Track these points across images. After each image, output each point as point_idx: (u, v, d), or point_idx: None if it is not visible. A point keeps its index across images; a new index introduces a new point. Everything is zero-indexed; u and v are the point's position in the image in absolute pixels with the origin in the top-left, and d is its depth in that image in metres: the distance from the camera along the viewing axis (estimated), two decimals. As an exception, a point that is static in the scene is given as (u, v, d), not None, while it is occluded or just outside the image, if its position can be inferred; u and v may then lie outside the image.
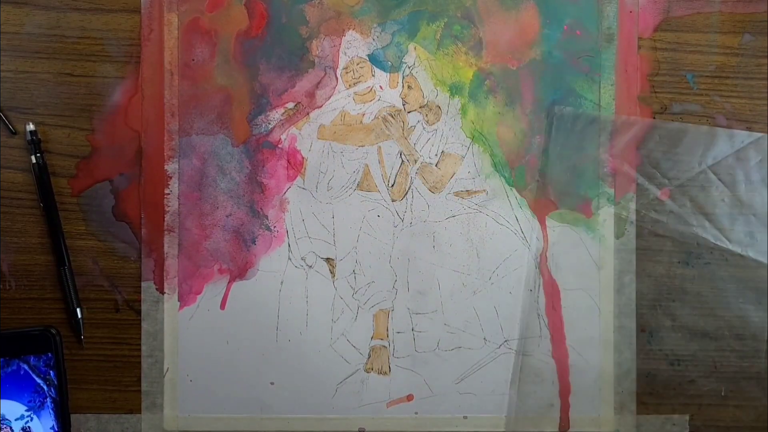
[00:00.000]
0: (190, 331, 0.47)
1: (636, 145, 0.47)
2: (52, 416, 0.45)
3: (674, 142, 0.47)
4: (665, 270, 0.47)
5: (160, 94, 0.47)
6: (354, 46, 0.47)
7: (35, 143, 0.46)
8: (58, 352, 0.46)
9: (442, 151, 0.47)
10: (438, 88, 0.47)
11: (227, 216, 0.47)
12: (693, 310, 0.47)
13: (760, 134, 0.47)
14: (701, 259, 0.47)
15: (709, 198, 0.47)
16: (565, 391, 0.47)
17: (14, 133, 0.47)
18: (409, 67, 0.47)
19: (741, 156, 0.46)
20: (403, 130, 0.47)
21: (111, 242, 0.47)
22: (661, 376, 0.47)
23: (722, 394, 0.47)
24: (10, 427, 0.45)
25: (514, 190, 0.47)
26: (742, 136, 0.46)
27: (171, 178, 0.47)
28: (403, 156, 0.47)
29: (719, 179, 0.46)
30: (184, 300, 0.47)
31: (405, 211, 0.47)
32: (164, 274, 0.47)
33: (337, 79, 0.47)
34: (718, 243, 0.46)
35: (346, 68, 0.47)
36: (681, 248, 0.47)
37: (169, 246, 0.47)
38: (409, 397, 0.47)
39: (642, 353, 0.47)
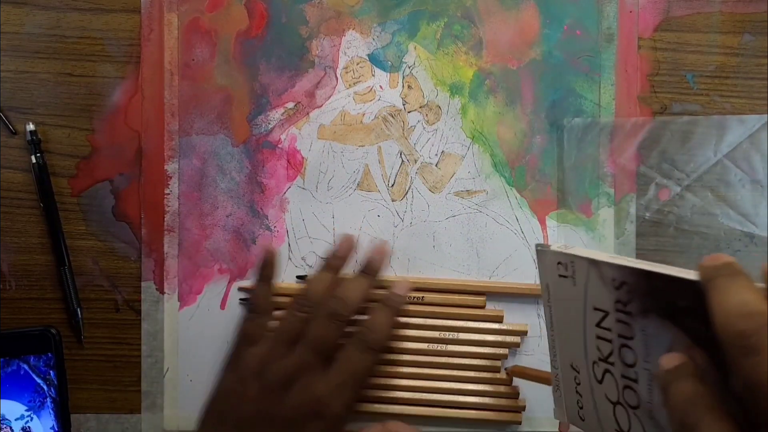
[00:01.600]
0: (190, 331, 0.47)
1: (649, 145, 0.47)
2: (52, 416, 0.45)
3: (686, 136, 0.47)
4: (696, 264, 0.47)
5: (160, 94, 0.47)
6: (354, 45, 0.47)
7: (35, 143, 0.46)
8: (58, 352, 0.46)
9: (442, 151, 0.47)
10: (438, 88, 0.47)
11: (227, 216, 0.47)
12: None
13: (771, 115, 0.47)
14: (731, 247, 0.47)
15: (730, 186, 0.47)
16: (565, 391, 0.47)
17: (14, 133, 0.47)
18: (409, 67, 0.47)
19: (755, 140, 0.46)
20: (403, 130, 0.47)
21: (111, 242, 0.47)
22: None
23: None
24: (10, 427, 0.45)
25: (514, 190, 0.47)
26: (753, 120, 0.46)
27: (171, 178, 0.47)
28: (403, 156, 0.47)
29: (736, 166, 0.46)
30: (184, 300, 0.47)
31: (405, 211, 0.47)
32: (164, 274, 0.47)
33: (337, 78, 0.47)
34: (745, 229, 0.46)
35: (346, 68, 0.47)
36: (709, 240, 0.47)
37: (169, 246, 0.47)
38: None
39: None
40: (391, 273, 0.47)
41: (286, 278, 0.47)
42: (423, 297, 0.46)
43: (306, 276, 0.47)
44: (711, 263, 0.27)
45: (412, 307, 0.46)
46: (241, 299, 0.47)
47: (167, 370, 0.47)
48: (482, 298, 0.46)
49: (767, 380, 0.24)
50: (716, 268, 0.27)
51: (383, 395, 0.46)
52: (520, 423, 0.46)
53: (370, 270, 0.43)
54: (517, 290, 0.46)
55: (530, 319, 0.47)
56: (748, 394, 0.25)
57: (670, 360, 0.28)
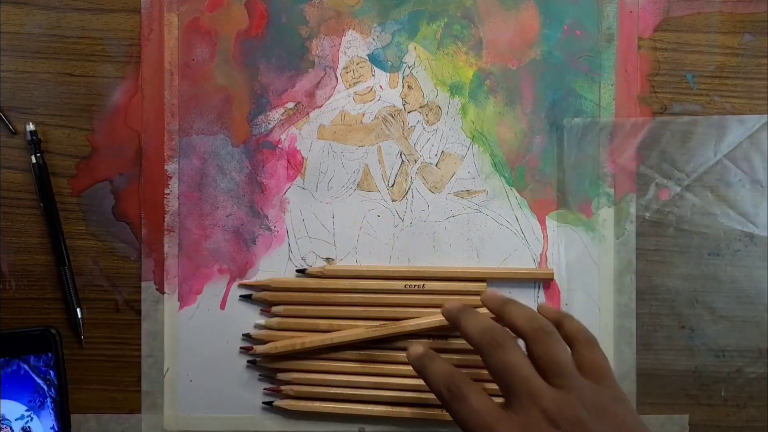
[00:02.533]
0: (190, 331, 0.47)
1: (649, 145, 0.47)
2: (52, 416, 0.45)
3: (686, 136, 0.47)
4: (697, 264, 0.47)
5: (160, 94, 0.47)
6: (354, 45, 0.47)
7: (35, 143, 0.46)
8: (58, 352, 0.46)
9: (442, 151, 0.47)
10: (438, 88, 0.47)
11: (227, 216, 0.47)
12: (731, 300, 0.47)
13: (771, 115, 0.47)
14: (731, 247, 0.47)
15: (730, 186, 0.47)
16: (565, 391, 0.47)
17: (14, 133, 0.47)
18: (409, 67, 0.47)
19: (755, 140, 0.47)
20: (403, 130, 0.47)
21: (111, 242, 0.47)
22: (708, 371, 0.47)
23: (722, 394, 0.47)
24: (10, 427, 0.45)
25: (514, 190, 0.47)
26: (753, 120, 0.46)
27: (171, 178, 0.47)
28: (403, 156, 0.47)
29: (736, 166, 0.46)
30: (184, 300, 0.47)
31: (405, 211, 0.47)
32: (164, 274, 0.47)
33: (337, 79, 0.47)
34: (745, 229, 0.46)
35: (346, 68, 0.47)
36: (709, 240, 0.47)
37: (169, 246, 0.47)
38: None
39: (686, 350, 0.47)
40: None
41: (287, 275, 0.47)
42: (423, 285, 0.46)
43: (305, 270, 0.47)
44: (454, 306, 0.42)
45: (412, 296, 0.46)
46: (241, 296, 0.47)
47: (167, 370, 0.47)
48: (483, 284, 0.46)
49: (509, 363, 0.36)
50: (458, 309, 0.41)
51: (380, 394, 0.46)
52: None
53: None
54: (517, 275, 0.46)
55: (530, 304, 0.47)
56: (496, 376, 0.37)
57: (415, 348, 0.40)
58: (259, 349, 0.46)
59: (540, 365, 0.37)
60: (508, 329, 0.39)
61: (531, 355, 0.37)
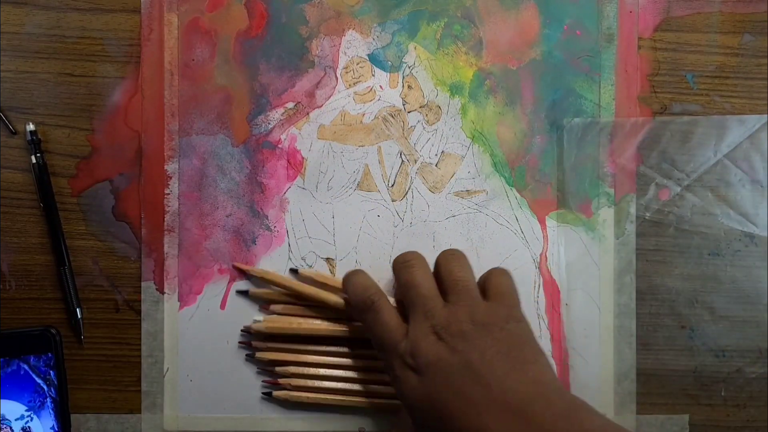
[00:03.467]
0: (190, 331, 0.47)
1: (649, 145, 0.47)
2: (52, 416, 0.45)
3: (686, 136, 0.47)
4: (697, 264, 0.47)
5: (160, 94, 0.47)
6: (354, 45, 0.47)
7: (35, 143, 0.46)
8: (58, 352, 0.46)
9: (442, 151, 0.47)
10: (438, 88, 0.47)
11: (227, 216, 0.47)
12: (731, 300, 0.47)
13: (770, 115, 0.47)
14: (731, 247, 0.47)
15: (730, 186, 0.47)
16: (565, 391, 0.47)
17: (14, 133, 0.47)
18: (409, 67, 0.47)
19: (755, 140, 0.47)
20: (403, 130, 0.47)
21: (111, 242, 0.47)
22: (708, 371, 0.47)
23: (722, 394, 0.47)
24: (10, 427, 0.45)
25: (514, 190, 0.47)
26: (753, 120, 0.46)
27: (171, 178, 0.47)
28: (403, 156, 0.47)
29: (736, 166, 0.46)
30: (184, 300, 0.47)
31: (405, 211, 0.47)
32: (164, 274, 0.47)
33: (337, 78, 0.47)
34: (745, 229, 0.46)
35: (346, 68, 0.47)
36: (709, 240, 0.47)
37: (169, 246, 0.47)
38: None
39: (686, 350, 0.47)
40: (392, 273, 0.47)
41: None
42: None
43: (297, 270, 0.47)
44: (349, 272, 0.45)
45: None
46: (239, 291, 0.47)
47: (167, 370, 0.47)
48: None
49: (412, 282, 0.40)
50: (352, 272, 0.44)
51: (380, 390, 0.46)
52: None
53: None
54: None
55: (528, 308, 0.47)
56: (402, 295, 0.42)
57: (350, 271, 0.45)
58: (255, 326, 0.46)
59: (441, 283, 0.40)
60: (420, 253, 0.42)
61: (436, 276, 0.41)
